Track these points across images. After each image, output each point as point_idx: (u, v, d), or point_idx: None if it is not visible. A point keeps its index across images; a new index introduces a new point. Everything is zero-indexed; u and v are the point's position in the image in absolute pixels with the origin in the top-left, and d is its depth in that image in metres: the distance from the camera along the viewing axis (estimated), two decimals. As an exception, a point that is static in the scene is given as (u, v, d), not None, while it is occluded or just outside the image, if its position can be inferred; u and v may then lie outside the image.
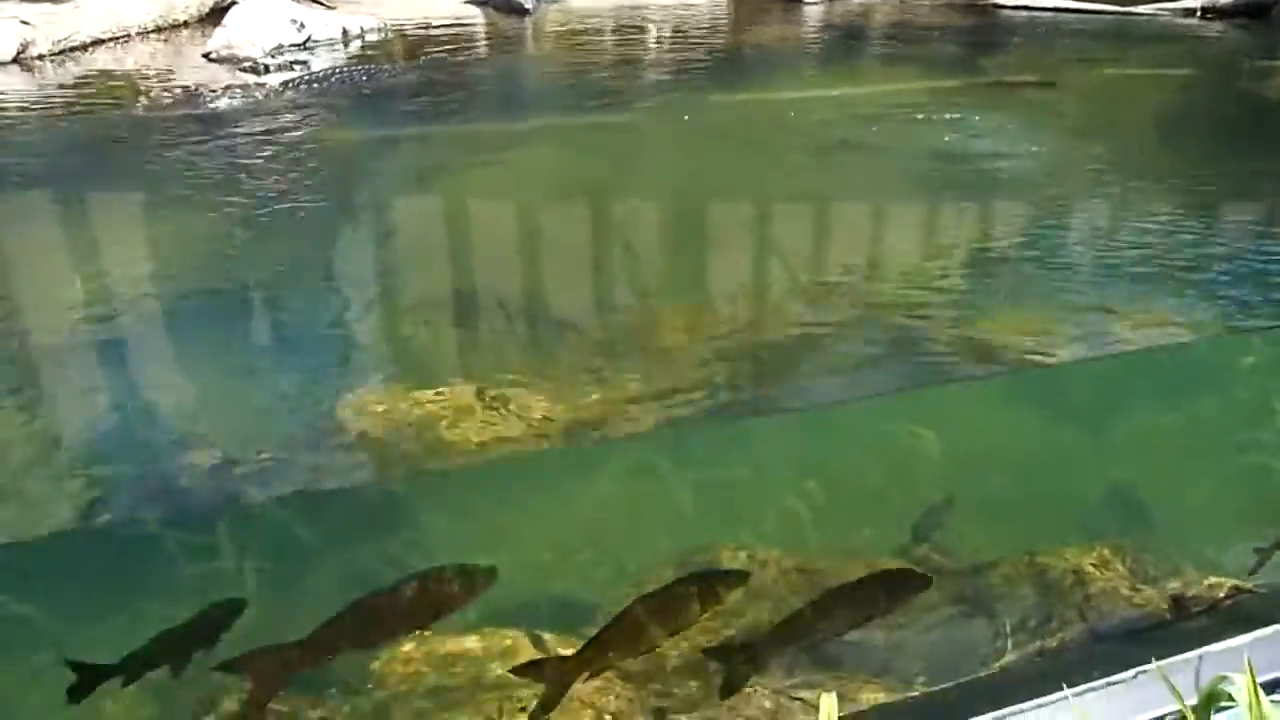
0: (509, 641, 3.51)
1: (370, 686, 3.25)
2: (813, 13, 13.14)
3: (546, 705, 2.71)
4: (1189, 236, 4.54)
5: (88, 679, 2.57)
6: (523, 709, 2.95)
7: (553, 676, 2.74)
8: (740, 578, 2.97)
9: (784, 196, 5.21)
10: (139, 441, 3.08)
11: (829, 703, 1.97)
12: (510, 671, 2.94)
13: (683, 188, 5.33)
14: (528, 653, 3.48)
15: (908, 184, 5.24)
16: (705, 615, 2.87)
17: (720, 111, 6.82)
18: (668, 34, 11.49)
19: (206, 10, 10.64)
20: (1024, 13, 11.71)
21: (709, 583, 2.91)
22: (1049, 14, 11.58)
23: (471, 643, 3.52)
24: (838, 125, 6.23)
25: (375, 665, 3.43)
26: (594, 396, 3.26)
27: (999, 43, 10.66)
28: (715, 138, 6.24)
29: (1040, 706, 2.62)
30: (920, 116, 6.27)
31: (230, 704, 3.01)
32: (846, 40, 11.46)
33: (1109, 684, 2.72)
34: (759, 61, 9.64)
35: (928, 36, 11.05)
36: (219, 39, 8.58)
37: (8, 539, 2.74)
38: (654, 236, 4.73)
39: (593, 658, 2.76)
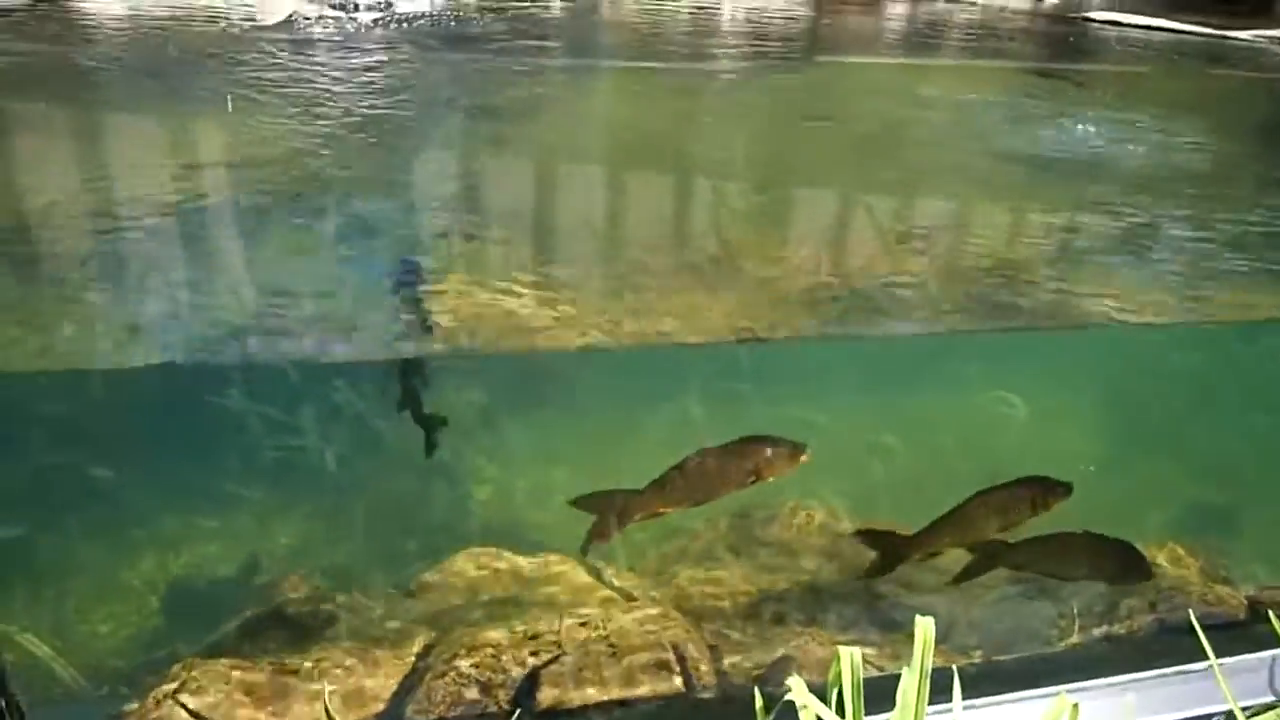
0: (563, 567, 3.49)
1: (424, 592, 3.25)
2: (895, 10, 13.07)
3: (876, 571, 3.03)
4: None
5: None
6: (583, 624, 2.93)
7: (887, 549, 3.03)
8: (1067, 489, 3.05)
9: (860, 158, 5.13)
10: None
11: (850, 656, 1.89)
12: (852, 535, 3.22)
13: (764, 133, 5.27)
14: (579, 578, 3.45)
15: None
16: (1032, 518, 3.00)
17: (792, 77, 6.78)
18: (746, 13, 11.46)
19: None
20: (1114, 29, 11.49)
21: (1041, 488, 3.03)
22: (1140, 31, 11.34)
23: (523, 562, 3.50)
24: (896, 96, 6.15)
25: (427, 576, 3.42)
26: (666, 313, 3.21)
27: (1069, 48, 10.50)
28: (787, 96, 6.18)
29: (1109, 686, 2.55)
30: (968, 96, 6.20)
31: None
32: (917, 34, 11.38)
33: (1177, 673, 2.64)
34: (836, 42, 9.56)
35: (1000, 36, 10.97)
36: (310, -24, 8.65)
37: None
38: (736, 174, 4.67)
39: (926, 542, 3.01)
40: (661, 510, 2.80)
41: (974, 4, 15.61)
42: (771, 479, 2.76)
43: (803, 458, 2.79)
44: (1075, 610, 3.40)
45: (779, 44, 8.89)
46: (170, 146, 4.34)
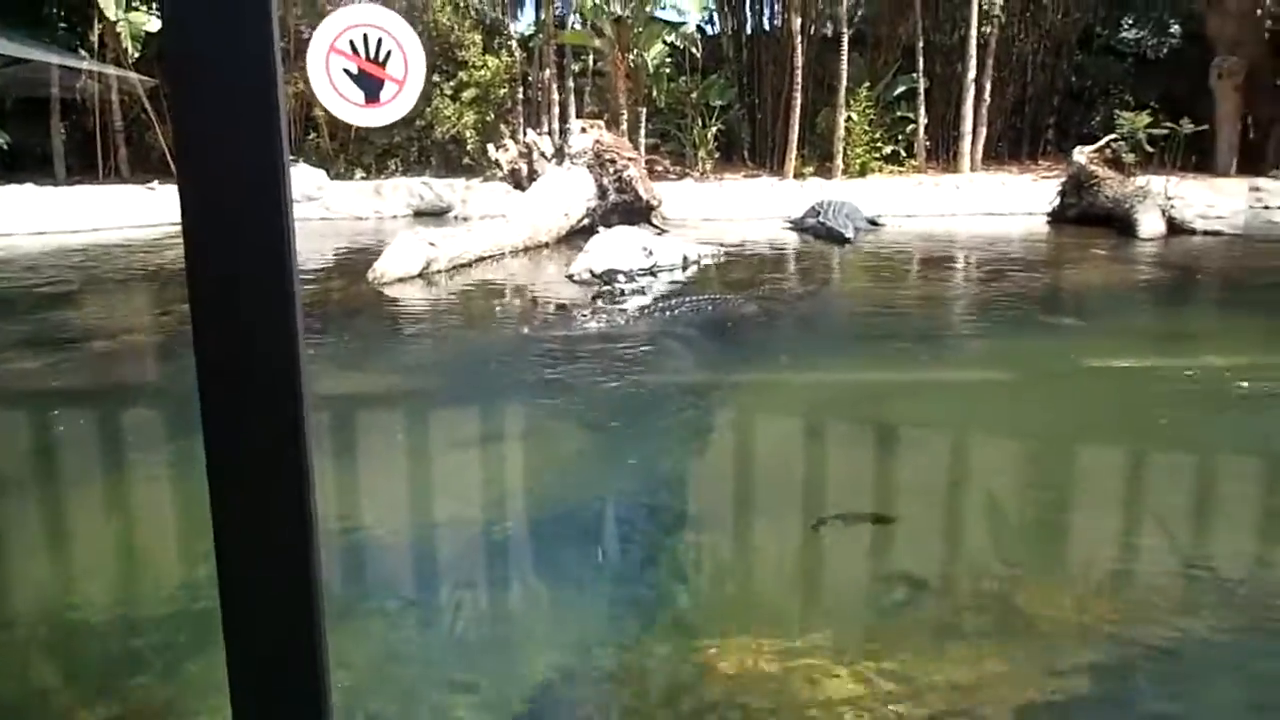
0: None
1: None
2: (1145, 250, 12.61)
3: None
4: None
5: None
6: None
7: None
8: None
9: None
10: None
11: None
12: None
13: (1046, 444, 5.16)
14: None
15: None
16: None
17: (1052, 363, 6.65)
18: (990, 268, 11.47)
19: (562, 234, 12.30)
20: None
21: None
22: None
23: None
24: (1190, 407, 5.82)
25: None
26: (970, 679, 3.10)
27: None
28: (1053, 394, 6.05)
29: None
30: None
31: None
32: (1188, 285, 10.77)
33: None
34: (1088, 306, 9.25)
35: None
36: (581, 262, 9.73)
37: None
38: (1027, 496, 4.58)
39: None
40: None
41: (1221, 216, 14.30)
42: None
43: None
44: None
45: (1030, 310, 8.73)
46: (480, 470, 4.89)
